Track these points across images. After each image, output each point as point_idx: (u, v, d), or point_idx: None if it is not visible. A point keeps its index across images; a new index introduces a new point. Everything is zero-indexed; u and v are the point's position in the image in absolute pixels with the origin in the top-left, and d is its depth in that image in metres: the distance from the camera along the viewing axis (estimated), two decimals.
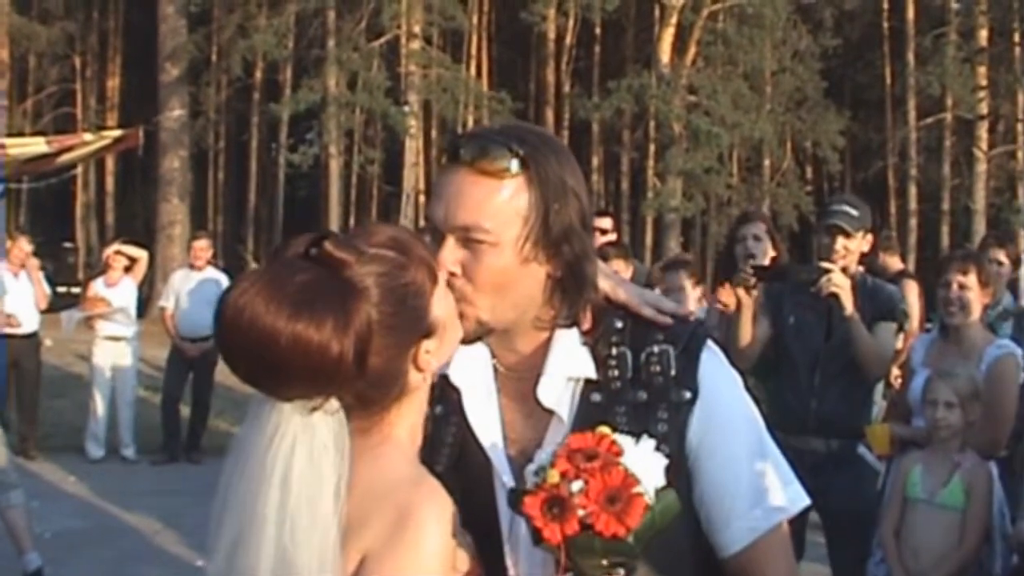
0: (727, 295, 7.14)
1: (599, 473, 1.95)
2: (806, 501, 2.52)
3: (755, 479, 2.46)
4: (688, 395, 2.41)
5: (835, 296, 6.39)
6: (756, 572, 2.47)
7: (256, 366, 1.92)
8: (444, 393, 2.37)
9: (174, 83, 32.99)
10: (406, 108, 33.23)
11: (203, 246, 14.67)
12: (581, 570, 2.01)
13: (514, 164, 2.29)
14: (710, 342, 2.50)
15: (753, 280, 6.69)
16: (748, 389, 2.59)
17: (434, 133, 37.40)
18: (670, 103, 32.67)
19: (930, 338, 6.77)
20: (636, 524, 1.93)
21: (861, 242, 6.76)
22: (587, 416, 2.34)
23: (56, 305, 14.35)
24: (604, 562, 1.99)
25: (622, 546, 1.94)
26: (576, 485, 1.95)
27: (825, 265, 6.52)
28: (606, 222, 10.14)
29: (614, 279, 2.57)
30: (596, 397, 2.40)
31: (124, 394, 14.11)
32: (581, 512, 1.93)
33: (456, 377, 2.40)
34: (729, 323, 6.96)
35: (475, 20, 38.07)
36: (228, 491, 1.95)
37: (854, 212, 6.78)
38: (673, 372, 2.42)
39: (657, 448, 2.26)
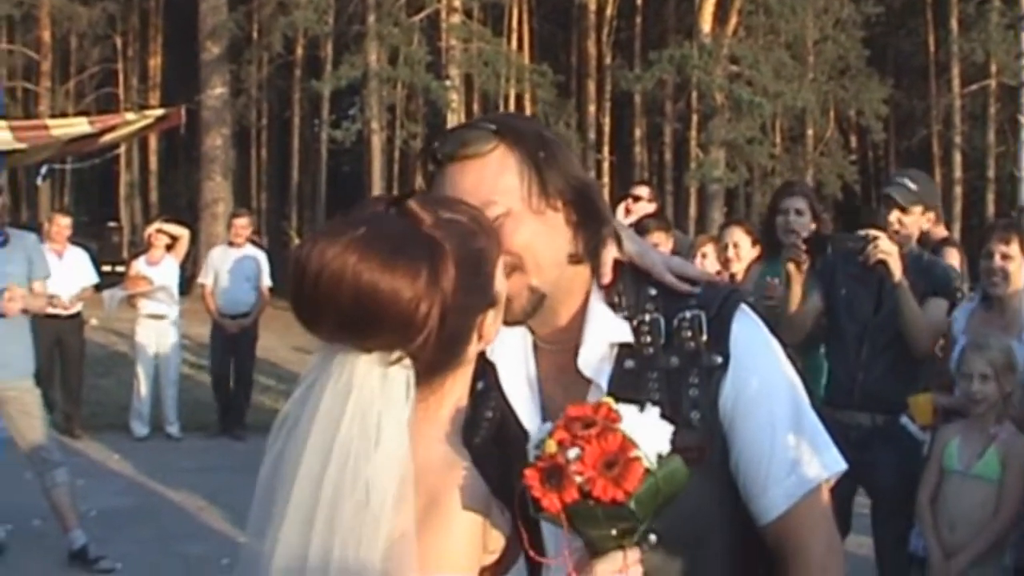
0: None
1: (595, 439, 1.93)
2: (843, 466, 2.50)
3: (791, 444, 2.45)
4: (720, 360, 2.41)
5: (883, 263, 6.34)
6: (795, 539, 2.45)
7: (346, 318, 1.91)
8: (484, 369, 2.37)
9: (215, 61, 33.11)
10: (448, 82, 33.25)
11: (243, 223, 14.72)
12: (591, 542, 2.00)
13: (490, 138, 2.36)
14: (744, 306, 2.50)
15: (804, 255, 6.67)
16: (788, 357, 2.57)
17: (476, 107, 37.32)
18: (712, 73, 32.55)
19: (971, 307, 6.69)
20: (635, 488, 1.90)
21: (920, 218, 6.71)
22: (621, 382, 2.39)
23: (101, 284, 14.39)
24: (613, 532, 1.97)
25: (623, 512, 1.91)
26: (573, 452, 1.93)
27: (872, 232, 6.47)
28: (643, 190, 10.09)
29: (640, 246, 2.58)
30: (629, 363, 2.42)
31: (167, 372, 14.17)
32: (579, 479, 1.91)
33: (493, 353, 2.42)
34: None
35: None
36: (294, 439, 1.94)
37: (912, 186, 6.74)
38: (705, 337, 2.42)
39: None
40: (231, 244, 14.68)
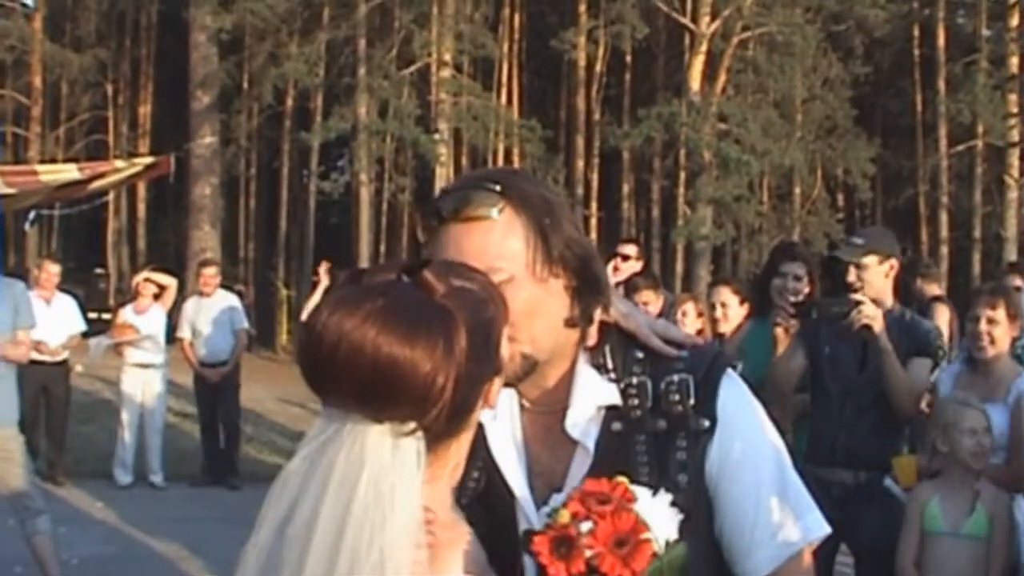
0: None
1: (610, 516, 1.95)
2: (827, 529, 2.51)
3: (775, 508, 2.45)
4: (707, 424, 2.41)
5: (868, 328, 6.39)
6: None
7: (363, 390, 1.87)
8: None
9: (205, 110, 33.27)
10: (436, 136, 33.36)
11: (211, 272, 14.83)
12: None
13: (496, 201, 2.35)
14: (730, 371, 2.52)
15: (792, 320, 6.72)
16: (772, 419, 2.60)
17: (464, 161, 37.48)
18: (700, 131, 32.67)
19: (958, 369, 6.73)
20: (642, 569, 1.93)
21: (880, 268, 6.75)
22: (609, 445, 2.39)
23: (88, 331, 14.38)
24: None
25: None
26: (585, 526, 1.95)
27: (856, 297, 6.51)
28: (630, 248, 10.16)
29: (626, 307, 2.60)
30: (617, 426, 2.41)
31: (152, 421, 14.14)
32: (588, 553, 1.93)
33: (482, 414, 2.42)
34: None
35: (505, 48, 38.31)
36: (290, 527, 1.90)
37: (859, 240, 6.85)
38: (692, 401, 2.42)
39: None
40: (201, 294, 14.72)
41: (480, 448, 2.41)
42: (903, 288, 7.32)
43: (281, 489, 1.92)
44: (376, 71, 33.15)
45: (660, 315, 8.67)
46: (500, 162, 35.69)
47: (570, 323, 2.42)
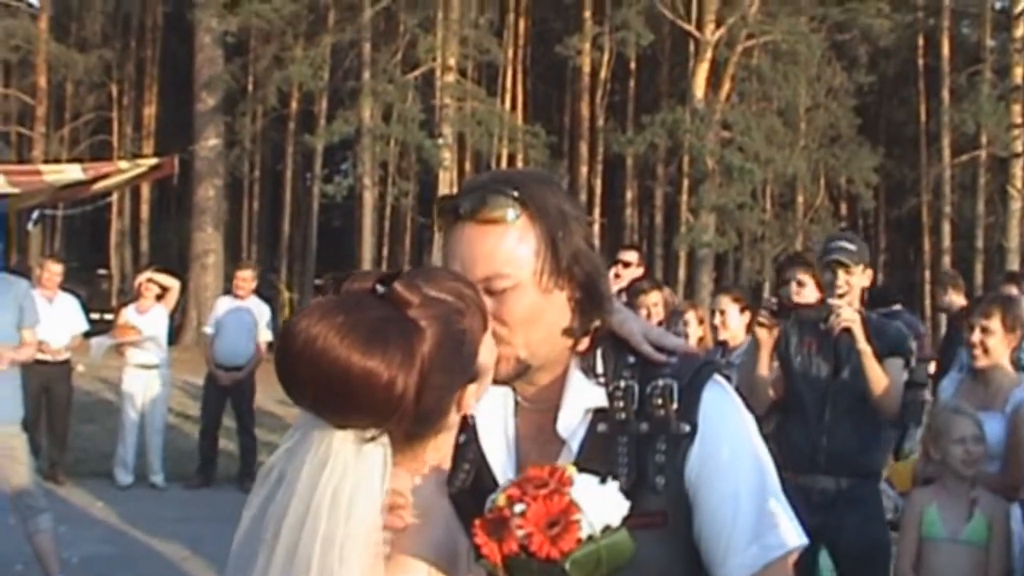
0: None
1: (542, 499, 2.01)
2: (805, 541, 2.53)
3: (754, 515, 2.47)
4: (687, 428, 2.46)
5: (848, 331, 6.44)
6: None
7: (323, 395, 1.98)
8: (466, 422, 2.41)
9: (210, 112, 33.30)
10: (440, 140, 33.34)
11: (247, 276, 14.75)
12: None
13: (514, 206, 2.40)
14: (717, 377, 2.56)
15: (769, 320, 6.76)
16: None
17: (468, 166, 37.51)
18: (704, 138, 32.69)
19: (959, 378, 6.80)
20: (570, 548, 1.98)
21: (861, 276, 6.83)
22: (593, 445, 2.45)
23: (90, 331, 14.39)
24: None
25: (556, 570, 1.98)
26: (519, 507, 2.01)
27: (833, 302, 6.58)
28: (631, 255, 10.22)
29: (621, 314, 2.65)
30: (602, 427, 2.48)
31: (153, 421, 14.13)
32: (520, 533, 1.99)
33: (475, 407, 2.43)
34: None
35: (510, 54, 38.34)
36: (265, 518, 2.01)
37: (851, 247, 6.89)
38: (675, 406, 2.47)
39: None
40: (235, 295, 14.73)
41: (472, 440, 2.50)
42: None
43: (262, 480, 2.05)
44: (380, 75, 33.15)
45: (665, 320, 8.72)
46: (503, 167, 35.71)
47: (568, 333, 2.49)
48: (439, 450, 2.20)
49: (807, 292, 7.41)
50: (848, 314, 6.45)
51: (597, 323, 2.53)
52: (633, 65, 38.88)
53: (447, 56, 33.81)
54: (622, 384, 2.51)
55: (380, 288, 2.08)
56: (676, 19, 34.92)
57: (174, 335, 14.73)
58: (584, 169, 38.95)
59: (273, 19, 33.58)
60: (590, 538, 2.00)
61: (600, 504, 2.04)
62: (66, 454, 14.03)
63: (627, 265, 9.95)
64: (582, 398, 2.50)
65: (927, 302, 33.42)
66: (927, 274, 37.24)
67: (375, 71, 33.30)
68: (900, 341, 6.76)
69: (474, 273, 2.36)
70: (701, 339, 8.65)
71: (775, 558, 2.48)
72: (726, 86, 34.61)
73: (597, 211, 38.76)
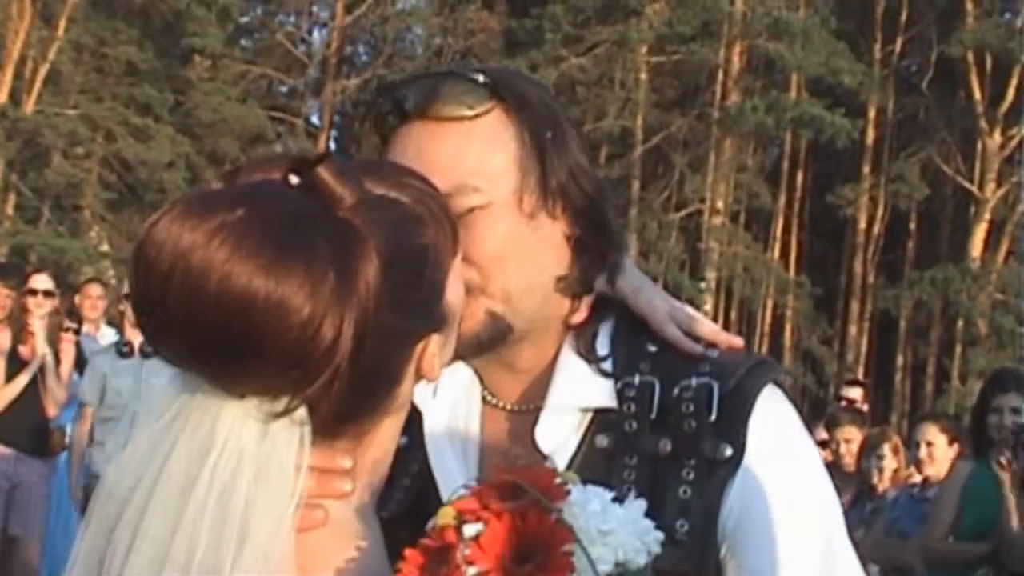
0: None
1: (509, 516, 1.25)
2: None
3: None
4: (729, 451, 1.70)
5: None
6: None
7: (204, 343, 1.24)
8: (409, 419, 1.57)
9: None
10: (702, 284, 33.01)
11: None
12: None
13: (481, 96, 1.72)
14: (774, 385, 1.80)
15: (1008, 459, 6.17)
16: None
17: (733, 315, 36.83)
18: (975, 299, 31.63)
19: None
20: None
21: None
22: (587, 464, 1.71)
23: None
24: None
25: None
26: (470, 529, 1.25)
27: None
28: (855, 392, 9.87)
29: (640, 281, 1.91)
30: (603, 440, 1.74)
31: None
32: (469, 571, 1.23)
33: (423, 400, 1.78)
34: None
35: (782, 202, 37.75)
36: (129, 509, 1.27)
37: None
38: (712, 417, 1.72)
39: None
40: None
41: (417, 446, 1.79)
42: None
43: (104, 498, 1.30)
44: (647, 212, 33.10)
45: (859, 453, 8.13)
46: (768, 318, 35.02)
47: (562, 287, 1.77)
48: (384, 445, 1.45)
49: (1021, 418, 6.61)
50: None
51: (603, 288, 1.82)
52: (913, 225, 37.95)
53: (715, 198, 33.55)
54: (636, 380, 1.75)
55: (294, 179, 1.32)
56: (956, 175, 34.07)
57: None
58: (853, 329, 37.83)
59: None
60: None
61: (611, 533, 1.28)
62: None
63: (851, 403, 9.38)
64: (576, 392, 1.77)
65: None
66: None
67: (642, 208, 33.24)
68: None
69: None
70: (895, 471, 7.86)
71: None
72: (1004, 246, 33.45)
73: (861, 370, 37.57)
